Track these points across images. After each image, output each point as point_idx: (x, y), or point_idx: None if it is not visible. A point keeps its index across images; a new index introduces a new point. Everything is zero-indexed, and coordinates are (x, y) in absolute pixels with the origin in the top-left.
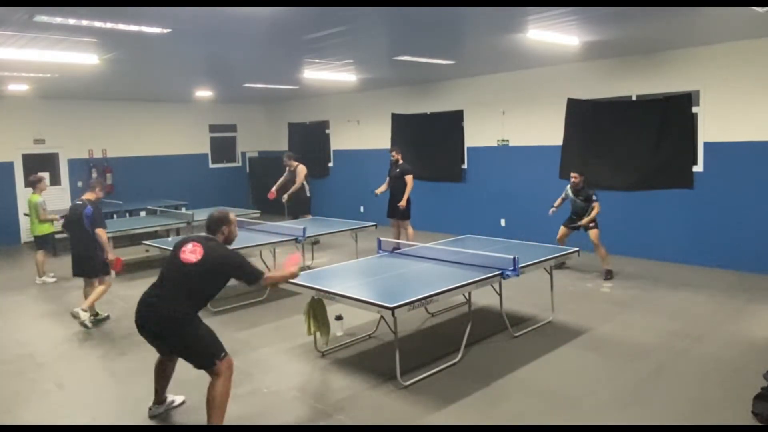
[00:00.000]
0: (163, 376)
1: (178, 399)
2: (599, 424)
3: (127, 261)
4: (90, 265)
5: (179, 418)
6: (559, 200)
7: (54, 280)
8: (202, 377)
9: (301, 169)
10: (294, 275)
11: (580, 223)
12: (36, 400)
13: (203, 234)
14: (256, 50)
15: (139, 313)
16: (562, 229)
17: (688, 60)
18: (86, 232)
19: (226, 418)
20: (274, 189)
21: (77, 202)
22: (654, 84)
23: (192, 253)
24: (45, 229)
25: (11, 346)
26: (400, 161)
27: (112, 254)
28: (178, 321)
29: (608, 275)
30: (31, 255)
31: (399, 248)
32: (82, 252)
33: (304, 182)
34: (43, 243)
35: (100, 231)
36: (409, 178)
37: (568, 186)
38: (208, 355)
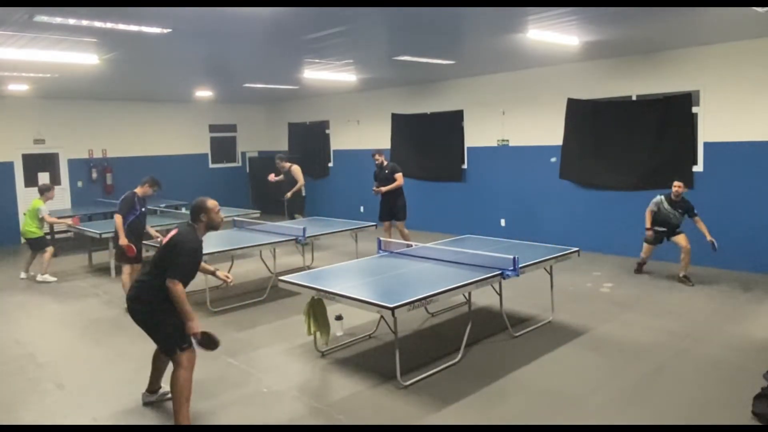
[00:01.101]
0: (156, 364)
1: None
2: (599, 423)
3: None
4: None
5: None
6: (649, 218)
7: (54, 279)
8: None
9: (297, 169)
10: (191, 328)
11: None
12: (36, 400)
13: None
14: (256, 50)
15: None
16: (646, 248)
17: (688, 60)
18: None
19: (227, 418)
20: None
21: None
22: (654, 84)
23: (168, 237)
24: (37, 232)
25: (11, 346)
26: (385, 162)
27: (122, 240)
28: (143, 301)
29: (688, 280)
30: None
31: (395, 248)
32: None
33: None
34: (41, 244)
35: (116, 216)
36: (398, 176)
37: (662, 197)
38: (170, 342)
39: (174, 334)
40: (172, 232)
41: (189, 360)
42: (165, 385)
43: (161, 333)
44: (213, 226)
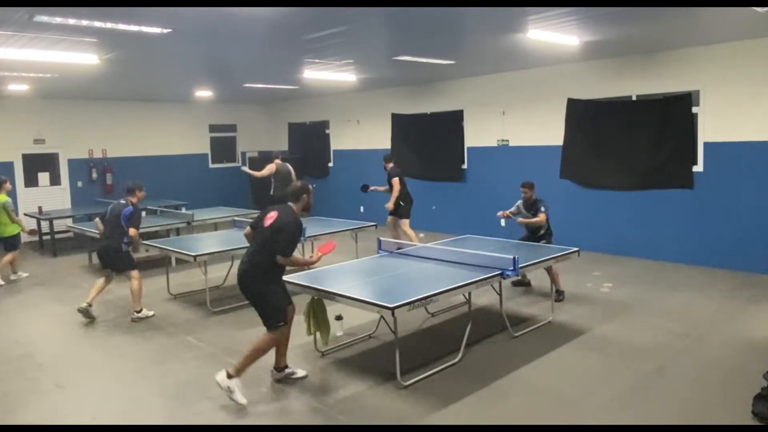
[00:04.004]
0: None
1: (300, 372)
2: (599, 424)
3: None
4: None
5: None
6: (512, 210)
7: (26, 275)
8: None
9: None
10: (314, 263)
11: (528, 220)
12: (36, 400)
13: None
14: (256, 50)
15: (237, 274)
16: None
17: (688, 60)
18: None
19: (228, 418)
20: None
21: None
22: (654, 84)
23: (269, 219)
24: (14, 229)
25: (11, 346)
26: (388, 167)
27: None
28: (251, 277)
29: (560, 296)
30: (30, 255)
31: (400, 248)
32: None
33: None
34: (16, 243)
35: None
36: (395, 182)
37: (521, 201)
38: (273, 315)
39: (274, 310)
40: (273, 217)
41: (283, 334)
42: (292, 367)
43: (268, 306)
44: (308, 208)
